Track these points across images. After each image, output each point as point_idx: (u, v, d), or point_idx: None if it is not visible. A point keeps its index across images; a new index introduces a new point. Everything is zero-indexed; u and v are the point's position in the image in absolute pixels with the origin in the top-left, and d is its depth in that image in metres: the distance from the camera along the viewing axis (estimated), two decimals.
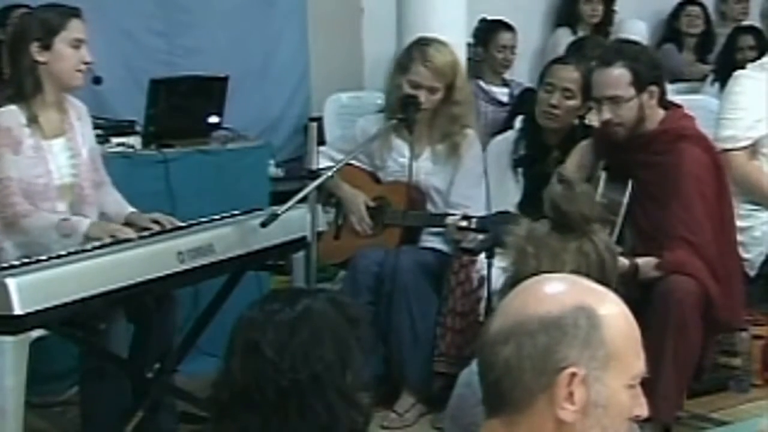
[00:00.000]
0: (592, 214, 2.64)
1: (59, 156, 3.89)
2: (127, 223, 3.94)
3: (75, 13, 3.91)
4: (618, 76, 4.01)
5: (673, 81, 6.48)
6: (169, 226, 3.86)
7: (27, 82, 3.82)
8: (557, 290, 1.77)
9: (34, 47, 3.81)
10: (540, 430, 1.71)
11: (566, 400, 1.69)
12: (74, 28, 3.86)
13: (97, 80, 4.34)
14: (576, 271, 2.46)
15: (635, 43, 4.42)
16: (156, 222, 3.91)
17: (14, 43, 3.93)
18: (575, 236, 2.56)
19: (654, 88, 4.05)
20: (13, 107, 3.81)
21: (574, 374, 1.68)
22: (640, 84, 4.02)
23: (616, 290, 1.82)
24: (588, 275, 2.43)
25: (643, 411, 1.77)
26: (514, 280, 2.49)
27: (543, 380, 1.69)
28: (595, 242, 2.57)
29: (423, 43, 4.66)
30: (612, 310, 1.75)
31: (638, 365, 1.75)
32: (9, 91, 3.88)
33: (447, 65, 4.58)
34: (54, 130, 3.89)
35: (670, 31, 7.71)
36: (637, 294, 3.73)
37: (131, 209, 4.06)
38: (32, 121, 3.81)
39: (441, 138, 4.66)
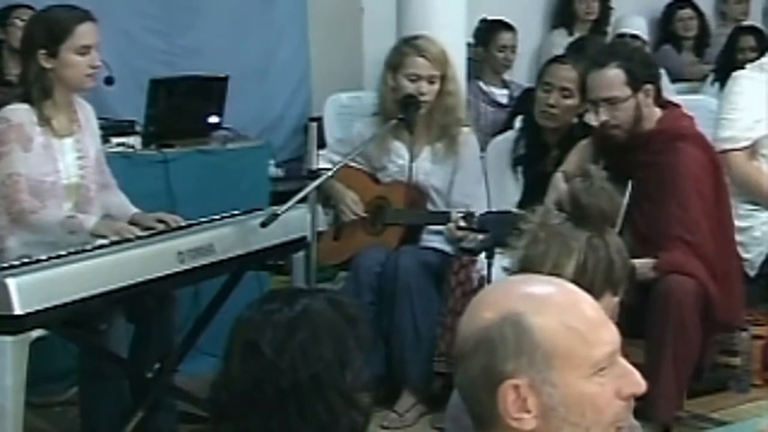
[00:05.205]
0: (612, 210, 2.62)
1: (67, 156, 3.89)
2: (132, 224, 3.94)
3: (83, 17, 3.83)
4: (613, 77, 4.01)
5: (673, 81, 6.48)
6: (174, 225, 3.86)
7: (35, 89, 3.80)
8: (486, 303, 1.71)
9: (41, 54, 3.78)
10: None
11: (519, 410, 1.64)
12: (81, 35, 3.80)
13: (109, 81, 4.32)
14: (583, 263, 2.46)
15: (633, 37, 4.41)
16: (161, 221, 3.90)
17: (23, 47, 3.94)
18: (589, 230, 2.54)
19: (649, 87, 4.05)
20: (25, 105, 3.80)
21: (516, 385, 1.63)
22: (635, 83, 4.02)
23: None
24: (594, 271, 2.43)
25: (638, 387, 1.68)
26: (522, 264, 2.48)
27: (494, 396, 1.65)
28: (607, 242, 2.54)
29: (411, 39, 4.70)
30: (542, 310, 1.66)
31: (596, 352, 1.65)
32: (18, 90, 3.88)
33: (441, 53, 4.64)
34: (64, 130, 3.90)
35: (665, 32, 7.70)
36: (635, 295, 3.73)
37: (135, 210, 4.05)
38: (43, 121, 3.81)
39: (439, 134, 4.65)
